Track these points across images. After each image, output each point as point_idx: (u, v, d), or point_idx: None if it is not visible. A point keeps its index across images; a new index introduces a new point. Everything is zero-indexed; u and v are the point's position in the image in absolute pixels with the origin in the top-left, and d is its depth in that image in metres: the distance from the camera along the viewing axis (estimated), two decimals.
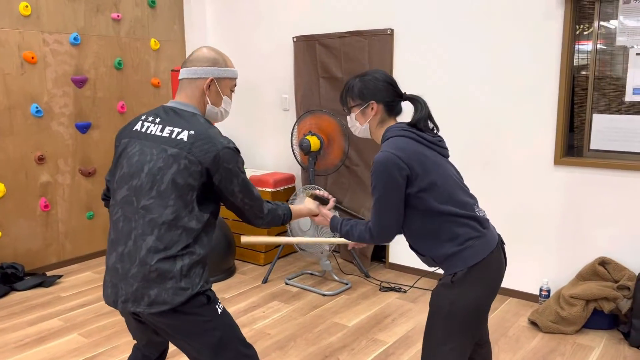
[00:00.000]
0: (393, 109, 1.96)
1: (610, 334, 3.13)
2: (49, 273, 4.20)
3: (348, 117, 2.03)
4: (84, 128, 4.40)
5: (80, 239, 4.49)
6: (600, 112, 3.33)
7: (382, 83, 1.94)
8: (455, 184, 1.86)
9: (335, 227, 2.04)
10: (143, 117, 1.83)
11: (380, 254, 4.40)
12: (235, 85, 1.94)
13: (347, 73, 4.22)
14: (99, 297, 3.76)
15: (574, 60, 3.36)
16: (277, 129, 4.83)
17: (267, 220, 1.92)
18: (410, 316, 3.40)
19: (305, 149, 4.00)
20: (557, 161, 3.39)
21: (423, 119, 1.91)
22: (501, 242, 1.91)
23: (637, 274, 3.13)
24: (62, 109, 4.27)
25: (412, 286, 3.86)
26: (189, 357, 1.84)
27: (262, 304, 3.62)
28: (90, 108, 4.44)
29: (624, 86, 3.23)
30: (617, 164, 3.21)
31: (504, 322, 3.31)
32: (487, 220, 1.89)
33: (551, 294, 3.43)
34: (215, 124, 1.94)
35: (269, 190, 4.33)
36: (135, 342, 2.03)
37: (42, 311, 3.52)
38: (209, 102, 1.85)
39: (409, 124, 1.93)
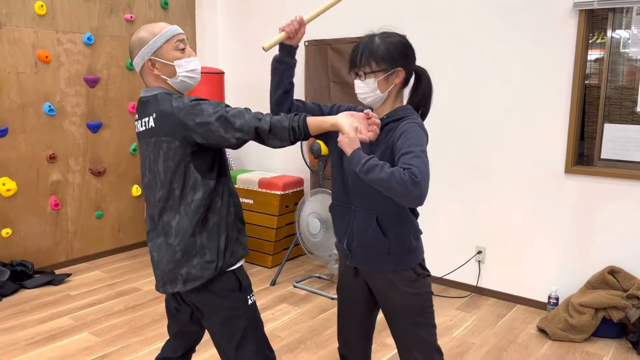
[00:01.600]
0: (408, 82, 1.79)
1: (619, 343, 3.15)
2: (57, 271, 4.21)
3: (362, 82, 1.73)
4: (95, 128, 4.42)
5: (89, 238, 4.50)
6: (612, 121, 3.36)
7: (409, 49, 1.75)
8: None
9: (358, 159, 1.58)
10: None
11: None
12: (180, 41, 1.77)
13: None
14: (108, 296, 3.77)
15: (586, 70, 3.38)
16: None
17: (275, 134, 1.68)
18: None
19: (315, 152, 4.02)
20: (568, 170, 3.41)
21: (426, 97, 1.81)
22: None
23: None
24: (74, 108, 4.29)
25: None
26: (215, 345, 1.89)
27: (271, 306, 3.63)
28: (101, 108, 4.46)
29: (635, 96, 3.25)
30: (628, 173, 3.23)
31: (512, 329, 3.32)
32: None
33: (559, 302, 3.44)
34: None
35: (278, 192, 4.35)
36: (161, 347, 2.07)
37: (52, 309, 3.54)
38: (167, 78, 1.78)
39: (416, 107, 1.81)
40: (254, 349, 1.84)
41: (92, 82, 4.36)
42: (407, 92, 1.87)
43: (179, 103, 1.69)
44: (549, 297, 3.48)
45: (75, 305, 3.61)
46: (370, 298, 1.96)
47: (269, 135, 1.68)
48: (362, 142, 1.65)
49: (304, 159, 4.29)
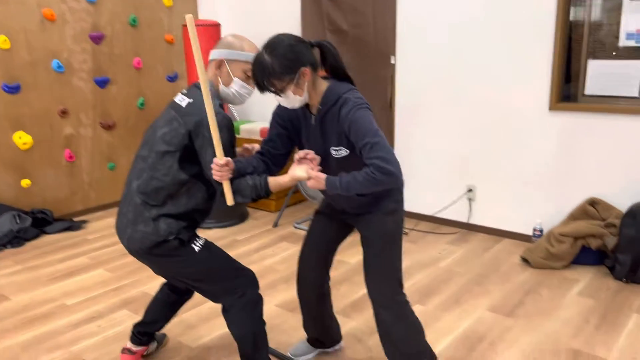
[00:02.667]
0: (316, 64, 1.84)
1: (597, 269, 3.32)
2: (75, 219, 4.52)
3: (281, 98, 1.84)
4: (102, 83, 4.63)
5: (104, 188, 4.79)
6: (596, 58, 3.42)
7: (297, 45, 1.79)
8: None
9: (334, 185, 1.80)
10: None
11: None
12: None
13: (352, 25, 4.33)
14: None
15: (570, 7, 3.43)
16: None
17: (239, 191, 1.87)
18: (410, 254, 3.63)
19: None
20: (553, 106, 3.51)
21: (336, 63, 1.86)
22: None
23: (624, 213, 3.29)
24: (82, 65, 4.49)
25: (412, 229, 4.09)
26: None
27: (272, 245, 3.88)
28: (107, 64, 4.66)
29: (618, 32, 3.30)
30: (610, 107, 3.33)
31: (497, 259, 3.52)
32: None
33: (543, 234, 3.61)
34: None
35: None
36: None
37: (71, 251, 3.85)
38: (221, 82, 1.99)
39: (333, 76, 1.88)
40: (221, 282, 2.03)
41: (97, 39, 4.54)
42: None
43: (215, 110, 1.82)
44: (534, 230, 3.65)
45: (91, 247, 3.92)
46: (342, 229, 2.20)
47: (235, 192, 1.87)
48: (319, 145, 1.87)
49: None
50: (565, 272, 3.30)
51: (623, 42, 3.28)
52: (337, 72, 1.90)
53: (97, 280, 3.35)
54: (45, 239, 4.11)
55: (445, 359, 2.41)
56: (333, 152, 1.88)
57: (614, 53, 3.34)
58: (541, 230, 3.63)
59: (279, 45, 1.77)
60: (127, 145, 4.89)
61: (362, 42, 4.28)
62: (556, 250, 3.33)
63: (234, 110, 5.25)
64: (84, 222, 4.41)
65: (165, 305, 2.35)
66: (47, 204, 4.41)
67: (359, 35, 4.29)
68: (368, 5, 4.20)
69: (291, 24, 4.76)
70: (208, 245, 2.04)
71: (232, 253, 3.72)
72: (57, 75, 4.34)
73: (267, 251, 3.77)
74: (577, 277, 3.22)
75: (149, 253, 1.94)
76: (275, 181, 1.90)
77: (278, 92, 1.81)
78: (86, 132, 4.60)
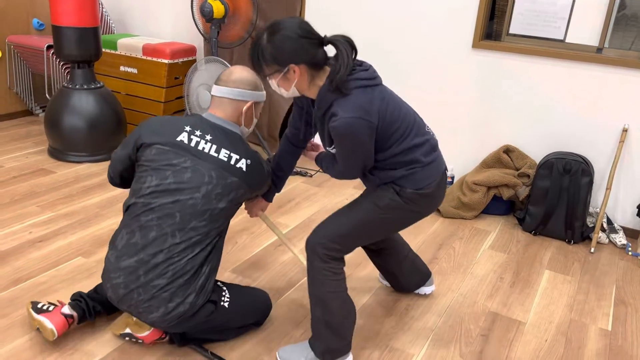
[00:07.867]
0: (318, 64, 1.65)
1: (506, 220, 3.22)
2: None
3: (269, 81, 1.71)
4: None
5: None
6: None
7: (297, 41, 1.60)
8: (410, 109, 1.78)
9: (318, 164, 1.90)
10: (188, 129, 1.77)
11: None
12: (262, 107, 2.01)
13: None
14: None
15: None
16: None
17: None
18: (315, 200, 3.28)
19: (207, 15, 3.52)
20: (476, 44, 3.23)
21: (346, 66, 1.60)
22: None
23: (538, 162, 3.17)
24: None
25: (318, 171, 3.73)
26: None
27: None
28: None
29: None
30: (533, 49, 3.10)
31: None
32: (437, 143, 1.84)
33: (455, 181, 3.43)
34: None
35: (165, 61, 3.84)
36: None
37: None
38: (243, 123, 1.87)
39: (336, 75, 1.62)
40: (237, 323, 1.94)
41: None
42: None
43: (268, 166, 1.90)
44: None
45: None
46: None
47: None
48: (321, 135, 1.78)
49: (196, 24, 3.78)
50: (476, 222, 3.16)
51: None
52: (342, 75, 1.61)
53: None
54: None
55: (360, 339, 2.13)
56: (329, 149, 1.81)
57: None
58: (452, 177, 3.44)
59: (279, 33, 1.60)
60: None
61: None
62: (468, 200, 3.15)
63: (112, 22, 4.40)
64: None
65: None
66: None
67: None
68: None
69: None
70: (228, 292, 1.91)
71: (106, 196, 3.12)
72: None
73: None
74: (488, 228, 3.09)
75: (185, 321, 1.76)
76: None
77: (266, 76, 1.68)
78: None
